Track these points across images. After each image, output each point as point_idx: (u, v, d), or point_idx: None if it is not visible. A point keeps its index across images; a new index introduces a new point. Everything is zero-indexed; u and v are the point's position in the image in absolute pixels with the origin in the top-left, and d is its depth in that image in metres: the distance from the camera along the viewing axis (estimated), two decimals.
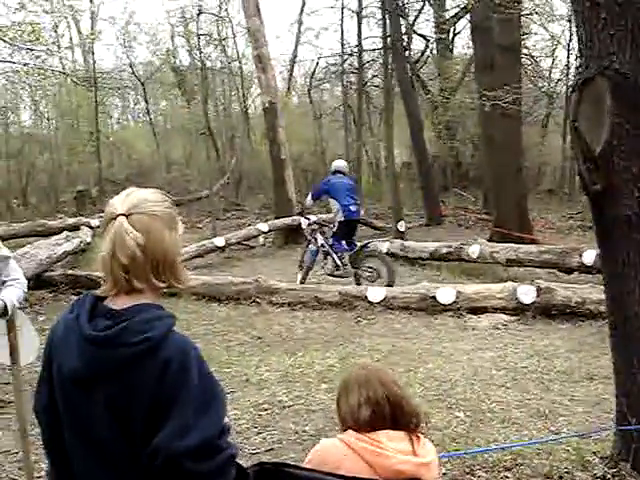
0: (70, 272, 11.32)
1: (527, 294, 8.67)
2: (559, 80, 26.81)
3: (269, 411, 5.68)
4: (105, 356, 1.70)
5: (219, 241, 14.99)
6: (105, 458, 1.74)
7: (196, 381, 1.71)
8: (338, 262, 11.40)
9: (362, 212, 11.81)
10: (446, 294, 9.06)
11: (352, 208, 11.41)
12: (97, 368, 1.71)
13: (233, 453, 1.76)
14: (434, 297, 9.09)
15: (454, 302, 8.99)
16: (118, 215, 1.78)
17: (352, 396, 2.44)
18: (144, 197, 1.85)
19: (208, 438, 1.69)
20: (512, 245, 11.84)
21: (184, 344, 1.75)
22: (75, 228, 16.79)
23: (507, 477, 4.28)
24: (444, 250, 12.68)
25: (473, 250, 11.93)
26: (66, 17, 28.35)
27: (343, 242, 11.54)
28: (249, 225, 19.56)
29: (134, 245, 1.74)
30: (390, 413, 2.40)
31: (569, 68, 24.58)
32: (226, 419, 1.78)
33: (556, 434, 5.00)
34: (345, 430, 2.43)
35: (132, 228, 1.76)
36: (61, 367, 1.78)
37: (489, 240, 14.14)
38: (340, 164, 12.27)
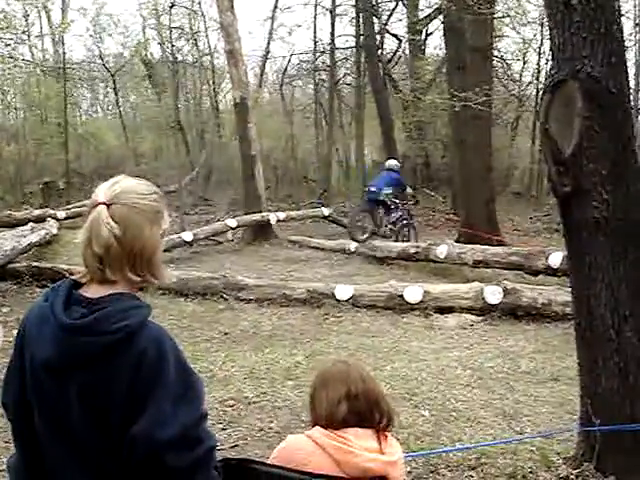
0: (35, 264, 11.15)
1: (494, 295, 8.72)
2: (529, 83, 27.02)
3: (234, 407, 5.65)
4: (81, 344, 1.67)
5: (187, 236, 14.88)
6: (78, 449, 1.72)
7: (173, 370, 1.69)
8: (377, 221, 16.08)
9: (381, 196, 15.82)
10: (413, 293, 9.09)
11: (372, 188, 16.19)
12: (72, 357, 1.68)
13: (213, 444, 1.76)
14: (402, 296, 9.11)
15: (421, 301, 9.02)
16: (99, 203, 1.76)
17: (332, 391, 2.40)
18: (130, 187, 1.82)
19: (188, 428, 1.68)
20: (479, 246, 11.88)
21: (160, 334, 1.74)
22: (41, 220, 16.59)
23: (471, 476, 4.30)
24: (412, 250, 12.71)
25: (441, 250, 11.97)
26: (37, 6, 27.98)
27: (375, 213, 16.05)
28: (218, 220, 19.46)
29: (109, 236, 1.72)
30: (366, 410, 2.38)
31: (539, 71, 24.81)
32: (204, 408, 1.77)
33: (520, 434, 5.04)
34: (314, 426, 2.41)
35: (110, 218, 1.73)
36: (34, 356, 1.75)
37: (457, 241, 14.19)
38: (389, 163, 16.95)
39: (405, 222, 15.86)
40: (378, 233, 15.72)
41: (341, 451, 2.27)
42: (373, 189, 16.13)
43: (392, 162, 17.01)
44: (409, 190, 16.74)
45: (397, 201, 15.98)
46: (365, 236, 15.30)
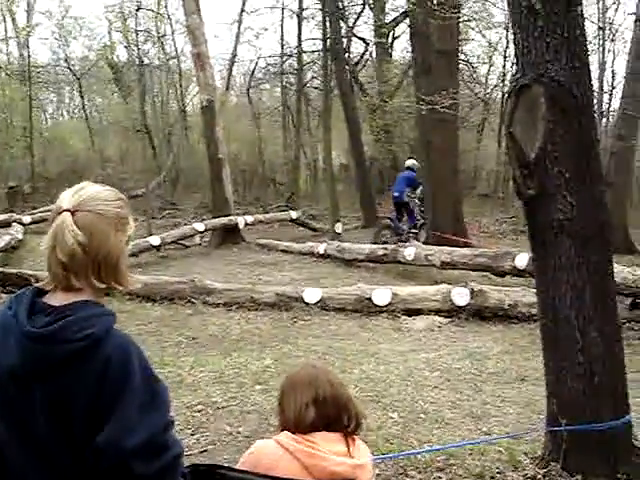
0: (0, 269, 11.03)
1: (461, 296, 8.78)
2: (495, 86, 27.28)
3: (203, 412, 5.62)
4: (45, 353, 1.66)
5: (154, 240, 14.79)
6: (44, 456, 1.70)
7: (139, 378, 1.68)
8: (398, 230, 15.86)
9: (405, 198, 16.04)
10: (382, 296, 9.12)
11: (395, 194, 16.32)
12: (36, 365, 1.66)
13: (180, 451, 1.75)
14: (370, 298, 9.14)
15: (389, 304, 9.05)
16: (63, 210, 1.74)
17: (300, 395, 2.40)
18: (94, 194, 1.80)
19: (154, 435, 1.67)
20: (447, 248, 11.96)
21: (125, 341, 1.73)
22: (6, 225, 16.44)
23: (440, 477, 4.31)
24: (380, 252, 12.76)
25: (409, 252, 12.02)
26: (1, 9, 27.70)
27: (402, 217, 16.21)
28: (185, 224, 19.39)
29: (74, 243, 1.70)
30: (334, 414, 2.39)
31: (505, 75, 25.03)
32: (170, 415, 1.76)
33: (488, 435, 5.07)
34: (282, 430, 2.41)
35: (74, 225, 1.71)
36: None
37: (424, 243, 14.27)
38: (407, 162, 17.04)
39: (422, 221, 16.25)
40: (402, 240, 15.05)
41: (309, 455, 2.27)
42: (396, 194, 16.23)
43: (410, 161, 16.97)
44: (419, 190, 16.48)
45: (416, 200, 16.21)
46: None
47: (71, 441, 1.66)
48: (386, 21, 26.63)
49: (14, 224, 16.63)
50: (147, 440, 1.64)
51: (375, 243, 14.81)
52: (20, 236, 15.07)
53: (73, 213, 1.73)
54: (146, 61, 31.30)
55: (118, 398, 1.64)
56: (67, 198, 1.77)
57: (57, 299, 1.75)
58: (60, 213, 1.74)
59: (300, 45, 27.46)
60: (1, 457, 1.77)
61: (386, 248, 12.84)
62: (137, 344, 1.76)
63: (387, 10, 27.68)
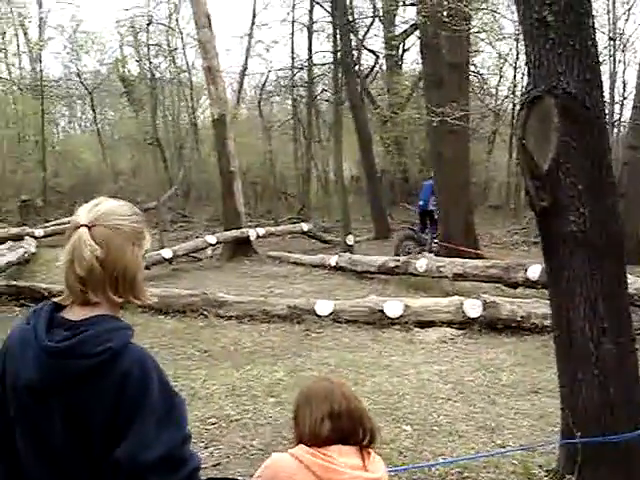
0: (14, 283, 11.07)
1: (473, 308, 8.75)
2: (506, 97, 27.20)
3: (216, 425, 5.62)
4: (64, 367, 1.67)
5: (166, 253, 14.81)
6: (61, 469, 1.71)
7: (157, 392, 1.69)
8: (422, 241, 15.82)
9: (430, 206, 15.83)
10: (394, 308, 9.10)
11: (420, 202, 16.32)
12: (55, 379, 1.67)
13: (197, 465, 1.75)
14: (382, 311, 9.12)
15: (402, 316, 9.03)
16: (81, 225, 1.75)
17: (316, 409, 2.40)
18: (111, 209, 1.81)
19: (172, 450, 1.67)
20: (459, 260, 11.92)
21: (143, 355, 1.73)
22: (19, 238, 16.50)
23: None
24: (392, 264, 12.73)
25: (420, 264, 11.99)
26: (14, 24, 27.94)
27: (426, 228, 16.08)
28: (197, 237, 19.41)
29: (92, 258, 1.71)
30: (349, 428, 2.38)
31: (515, 86, 24.98)
32: (187, 429, 1.76)
33: (502, 447, 5.05)
34: (298, 443, 2.40)
35: (92, 240, 1.73)
36: (17, 378, 1.74)
37: (436, 254, 14.24)
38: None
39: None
40: (425, 250, 14.83)
41: (325, 469, 2.27)
42: (421, 202, 16.23)
43: None
44: None
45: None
46: None
47: (88, 454, 1.67)
48: (396, 33, 26.72)
49: (27, 237, 16.69)
50: (165, 454, 1.65)
51: (397, 255, 14.60)
52: (33, 249, 15.11)
53: (90, 228, 1.74)
54: (157, 75, 31.50)
55: (136, 412, 1.65)
56: (84, 214, 1.79)
57: (75, 314, 1.76)
58: (77, 228, 1.75)
59: (310, 58, 27.62)
60: (19, 467, 1.79)
61: (398, 260, 12.81)
62: (154, 358, 1.77)
63: (397, 23, 27.81)
